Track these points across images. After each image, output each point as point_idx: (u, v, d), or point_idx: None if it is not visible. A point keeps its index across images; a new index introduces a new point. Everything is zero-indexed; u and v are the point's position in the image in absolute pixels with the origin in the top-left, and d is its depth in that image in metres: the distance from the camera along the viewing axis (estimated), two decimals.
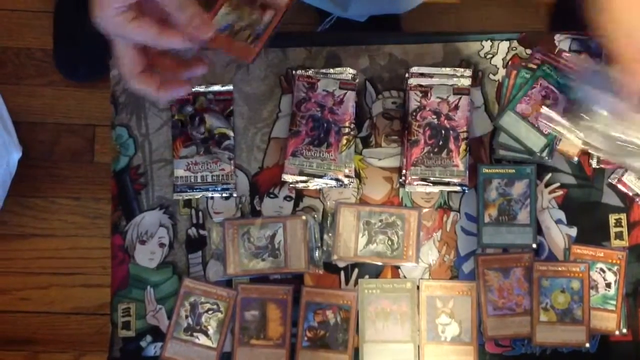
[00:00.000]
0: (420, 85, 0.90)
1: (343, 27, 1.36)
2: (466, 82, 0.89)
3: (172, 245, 0.89)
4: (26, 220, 1.45)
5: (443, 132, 0.88)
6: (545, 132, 0.87)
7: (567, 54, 0.89)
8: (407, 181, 0.88)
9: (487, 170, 0.88)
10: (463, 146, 0.88)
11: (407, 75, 0.90)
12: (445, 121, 0.89)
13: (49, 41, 1.46)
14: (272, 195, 0.90)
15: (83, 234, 1.45)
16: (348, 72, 0.90)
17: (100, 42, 1.46)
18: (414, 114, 0.89)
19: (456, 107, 0.89)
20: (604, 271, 0.86)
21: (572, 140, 0.85)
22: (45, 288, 1.45)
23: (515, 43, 0.91)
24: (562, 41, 0.91)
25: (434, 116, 0.89)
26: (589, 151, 0.85)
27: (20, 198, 1.45)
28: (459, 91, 0.89)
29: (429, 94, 0.89)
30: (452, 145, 0.88)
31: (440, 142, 0.88)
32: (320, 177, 0.88)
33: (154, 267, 0.89)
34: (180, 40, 0.63)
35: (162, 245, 0.89)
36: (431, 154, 0.88)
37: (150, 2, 0.62)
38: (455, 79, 0.89)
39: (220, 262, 0.88)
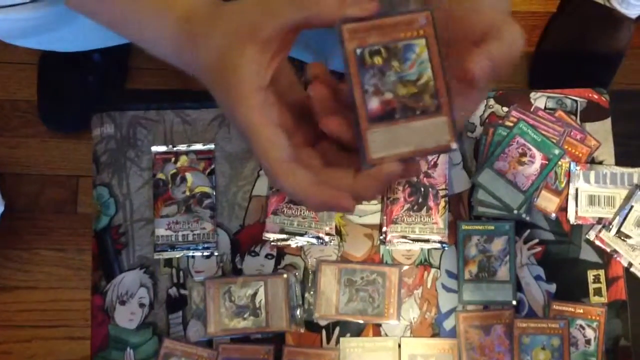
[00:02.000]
0: None
1: None
2: None
3: (152, 306, 0.89)
4: (9, 272, 1.44)
5: (422, 189, 0.89)
6: (523, 189, 0.88)
7: (543, 112, 0.91)
8: (387, 239, 0.89)
9: (466, 227, 0.89)
10: (442, 203, 0.89)
11: None
12: (425, 179, 0.90)
13: (33, 93, 1.47)
14: (253, 254, 0.90)
15: (66, 285, 1.44)
16: None
17: (84, 94, 1.46)
18: None
19: (435, 165, 0.90)
20: (583, 328, 0.87)
21: None
22: (28, 341, 1.43)
23: (492, 101, 0.93)
24: (538, 99, 0.92)
25: None
26: None
27: (3, 250, 1.44)
28: None
29: None
30: (431, 203, 0.89)
31: (420, 200, 0.89)
32: (302, 235, 0.89)
33: (133, 328, 0.88)
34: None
35: (142, 305, 0.89)
36: (411, 212, 0.89)
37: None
38: None
39: (201, 322, 0.88)
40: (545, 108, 0.92)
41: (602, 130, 0.92)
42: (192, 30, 0.55)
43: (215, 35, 0.53)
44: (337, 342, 0.88)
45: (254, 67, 0.51)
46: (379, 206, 0.91)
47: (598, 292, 0.88)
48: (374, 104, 0.50)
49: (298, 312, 0.88)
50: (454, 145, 0.49)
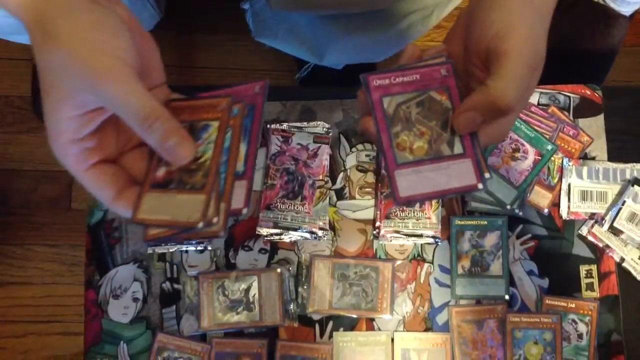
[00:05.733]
0: None
1: (320, 74, 1.37)
2: None
3: (146, 300, 0.89)
4: (3, 268, 1.44)
5: None
6: (516, 184, 0.88)
7: (536, 108, 0.91)
8: (380, 233, 0.89)
9: (459, 222, 0.89)
10: None
11: None
12: None
13: (27, 89, 1.47)
14: (247, 248, 0.90)
15: (60, 281, 1.44)
16: (322, 126, 0.92)
17: None
18: None
19: None
20: (575, 322, 0.87)
21: None
22: (22, 336, 1.43)
23: None
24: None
25: None
26: None
27: None
28: None
29: None
30: None
31: None
32: (295, 230, 0.89)
33: (127, 322, 0.88)
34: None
35: (135, 299, 0.89)
36: (404, 207, 0.89)
37: (111, 129, 0.55)
38: None
39: (194, 316, 0.88)
40: (538, 104, 0.92)
41: (594, 126, 0.92)
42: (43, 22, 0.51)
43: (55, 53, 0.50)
44: (331, 336, 0.88)
45: (72, 125, 0.51)
46: (372, 201, 0.91)
47: (590, 287, 0.89)
48: (160, 172, 0.53)
49: (291, 306, 0.88)
50: (200, 225, 0.50)
